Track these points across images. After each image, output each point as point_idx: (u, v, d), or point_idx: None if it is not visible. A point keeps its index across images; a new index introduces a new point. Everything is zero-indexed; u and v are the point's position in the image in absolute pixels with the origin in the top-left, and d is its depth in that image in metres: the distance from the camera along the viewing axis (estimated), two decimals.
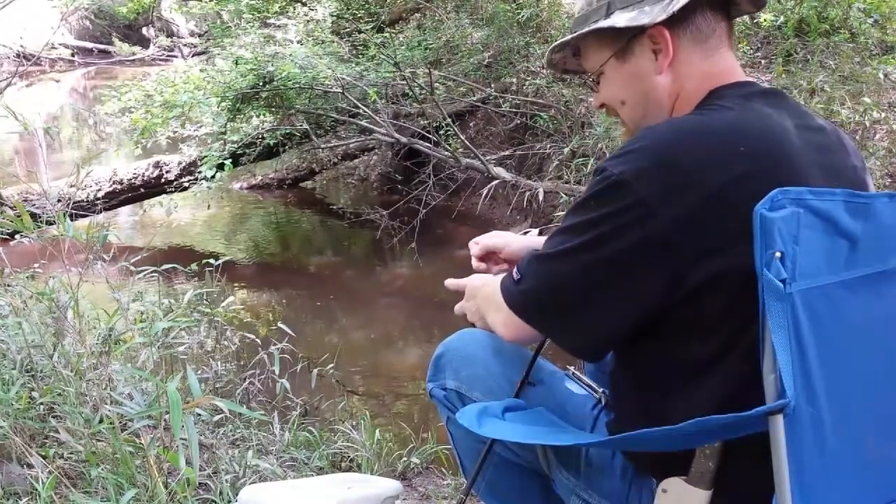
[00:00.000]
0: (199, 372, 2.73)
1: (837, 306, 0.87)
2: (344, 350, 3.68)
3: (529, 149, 5.61)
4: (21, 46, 14.02)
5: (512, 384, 1.25)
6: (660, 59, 1.06)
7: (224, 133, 5.28)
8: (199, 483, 1.88)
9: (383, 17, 6.90)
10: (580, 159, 4.80)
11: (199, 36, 16.74)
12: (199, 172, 5.05)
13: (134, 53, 17.75)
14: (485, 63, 6.18)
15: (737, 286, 0.88)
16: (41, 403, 1.99)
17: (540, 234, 1.43)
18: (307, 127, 5.31)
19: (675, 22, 1.04)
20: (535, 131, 5.72)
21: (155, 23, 18.83)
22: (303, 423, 2.63)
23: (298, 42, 5.86)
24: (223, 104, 5.13)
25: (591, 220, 0.96)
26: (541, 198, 4.78)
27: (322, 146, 5.68)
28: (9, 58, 14.04)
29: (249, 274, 5.08)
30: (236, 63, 5.13)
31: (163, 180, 5.57)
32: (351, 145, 6.22)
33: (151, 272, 2.55)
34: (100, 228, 1.99)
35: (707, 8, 1.06)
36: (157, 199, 5.47)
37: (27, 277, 2.55)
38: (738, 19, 1.35)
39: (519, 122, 5.91)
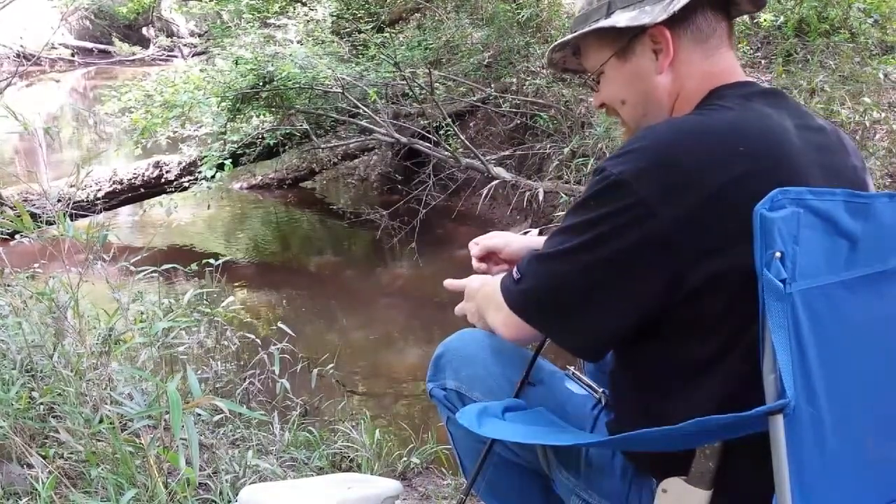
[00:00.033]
0: (199, 372, 2.73)
1: (837, 306, 0.87)
2: (344, 350, 3.68)
3: (529, 149, 5.61)
4: (21, 46, 14.01)
5: (512, 384, 1.25)
6: (660, 58, 1.06)
7: (224, 133, 5.28)
8: (199, 483, 1.88)
9: (383, 17, 6.90)
10: (580, 159, 4.80)
11: (199, 36, 16.74)
12: (199, 172, 5.05)
13: (134, 53, 17.74)
14: (485, 63, 6.18)
15: (737, 286, 0.88)
16: (41, 403, 1.99)
17: (540, 234, 1.43)
18: (307, 127, 5.31)
19: (676, 22, 1.04)
20: (535, 131, 5.72)
21: (155, 23, 18.83)
22: (303, 423, 2.63)
23: (298, 42, 5.86)
24: (223, 104, 5.13)
25: (591, 220, 0.96)
26: (541, 198, 4.78)
27: (322, 146, 5.68)
28: (9, 58, 14.04)
29: (249, 274, 5.08)
30: (236, 63, 5.13)
31: (163, 180, 5.57)
32: (351, 145, 6.22)
33: (151, 272, 2.55)
34: (100, 228, 1.99)
35: (708, 8, 1.06)
36: (157, 199, 5.47)
37: (27, 277, 2.55)
38: (738, 19, 1.35)
39: (519, 122, 5.91)
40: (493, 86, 5.99)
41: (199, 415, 2.13)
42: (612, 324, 1.00)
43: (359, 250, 5.87)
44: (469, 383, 1.30)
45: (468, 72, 6.10)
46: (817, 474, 0.84)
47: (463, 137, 5.36)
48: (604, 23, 1.08)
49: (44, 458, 1.81)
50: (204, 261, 3.02)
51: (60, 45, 16.85)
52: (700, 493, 0.94)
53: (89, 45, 17.68)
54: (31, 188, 3.42)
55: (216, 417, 2.34)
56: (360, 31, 6.37)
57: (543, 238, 1.12)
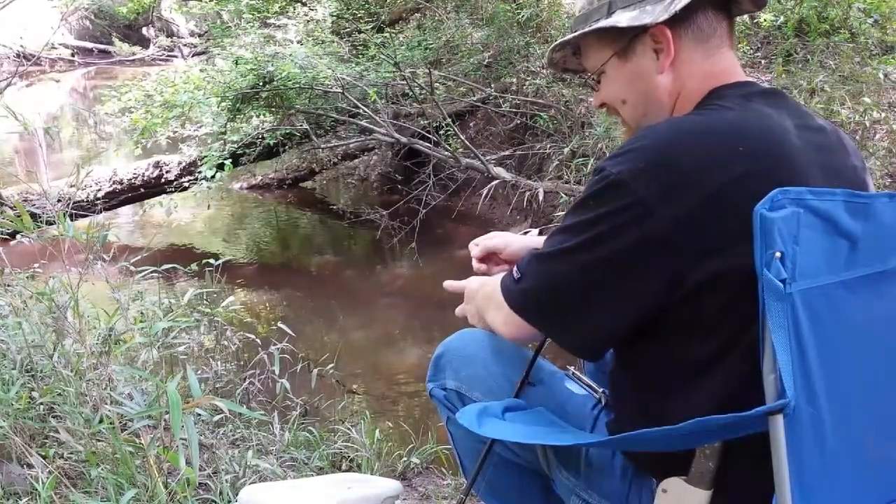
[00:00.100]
0: (199, 372, 2.73)
1: (837, 306, 0.87)
2: (344, 350, 3.67)
3: (529, 149, 5.61)
4: (21, 46, 14.02)
5: (512, 384, 1.25)
6: (661, 58, 1.06)
7: (224, 133, 5.28)
8: (199, 483, 1.88)
9: (383, 17, 6.90)
10: (580, 159, 4.80)
11: (199, 36, 16.73)
12: (199, 172, 5.05)
13: (134, 53, 17.74)
14: (485, 63, 6.18)
15: (737, 286, 0.88)
16: (41, 403, 1.99)
17: (540, 234, 1.43)
18: (307, 127, 5.32)
19: (677, 21, 1.04)
20: (535, 131, 5.72)
21: (155, 23, 18.83)
22: (303, 423, 2.63)
23: (298, 42, 5.86)
24: (223, 104, 5.13)
25: (590, 220, 0.96)
26: (541, 198, 4.78)
27: (322, 146, 5.68)
28: (9, 58, 14.04)
29: (249, 274, 5.08)
30: (236, 63, 5.13)
31: (163, 180, 5.57)
32: (351, 145, 6.22)
33: (151, 272, 2.55)
34: (100, 228, 1.99)
35: (709, 7, 1.06)
36: (157, 199, 5.47)
37: (27, 277, 2.55)
38: (738, 19, 1.35)
39: (519, 122, 5.91)
40: (493, 86, 5.99)
41: (199, 415, 2.13)
42: (611, 323, 1.00)
43: (359, 250, 5.87)
44: (469, 383, 1.30)
45: (468, 72, 6.10)
46: (817, 474, 0.84)
47: (463, 137, 5.36)
48: (604, 22, 1.08)
49: (44, 458, 1.81)
50: (204, 261, 3.02)
51: (60, 45, 16.85)
52: (700, 493, 0.94)
53: (89, 45, 17.68)
54: (31, 188, 3.42)
55: (216, 417, 2.34)
56: (360, 31, 6.37)
57: (543, 238, 1.12)
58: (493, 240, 1.42)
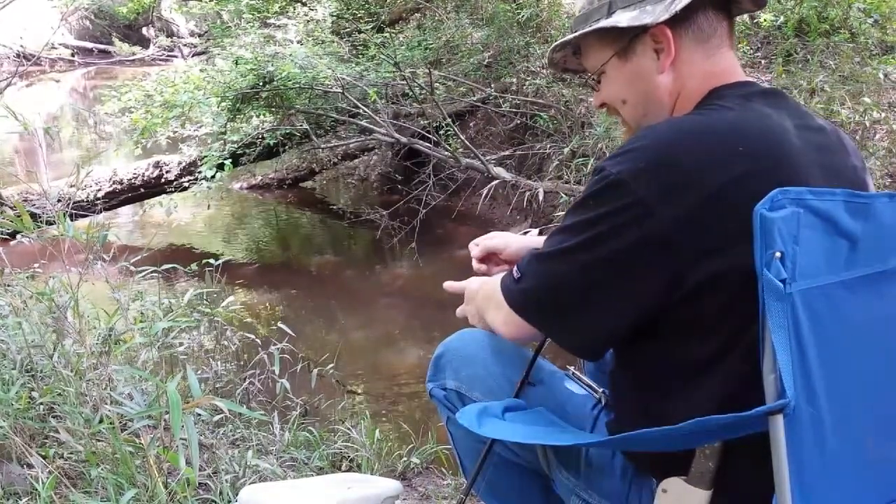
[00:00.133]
0: (199, 372, 2.73)
1: (837, 306, 0.87)
2: (344, 350, 3.67)
3: (529, 149, 5.61)
4: (21, 46, 14.01)
5: (512, 384, 1.25)
6: (662, 58, 1.06)
7: (224, 133, 5.28)
8: (199, 483, 1.88)
9: (383, 17, 6.90)
10: (580, 159, 4.80)
11: (199, 36, 16.73)
12: (199, 172, 5.05)
13: (134, 53, 17.74)
14: (485, 63, 6.18)
15: (737, 286, 0.88)
16: (41, 403, 1.99)
17: (540, 234, 1.43)
18: (307, 127, 5.32)
19: (678, 21, 1.04)
20: (535, 131, 5.72)
21: (155, 23, 18.83)
22: (303, 423, 2.63)
23: (298, 42, 5.86)
24: (223, 104, 5.13)
25: (590, 220, 0.96)
26: (541, 198, 4.78)
27: (322, 146, 5.68)
28: (9, 58, 14.04)
29: (249, 274, 5.08)
30: (236, 63, 5.13)
31: (163, 180, 5.57)
32: (351, 145, 6.22)
33: (151, 272, 2.55)
34: (100, 228, 1.99)
35: (709, 7, 1.06)
36: (157, 199, 5.47)
37: (27, 277, 2.55)
38: (738, 19, 1.35)
39: (519, 122, 5.91)
40: (493, 86, 5.99)
41: (199, 415, 2.13)
42: (610, 323, 1.00)
43: (359, 250, 5.87)
44: (469, 383, 1.30)
45: (468, 72, 6.10)
46: (817, 474, 0.84)
47: (463, 137, 5.36)
48: (605, 22, 1.08)
49: (44, 458, 1.81)
50: (204, 261, 3.02)
51: (60, 45, 16.85)
52: (700, 493, 0.94)
53: (89, 45, 17.68)
54: (31, 188, 3.42)
55: (216, 417, 2.34)
56: (360, 31, 6.37)
57: (543, 238, 1.12)
58: (493, 240, 1.42)
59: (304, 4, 7.05)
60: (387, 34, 6.20)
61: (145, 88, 5.38)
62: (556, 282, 1.02)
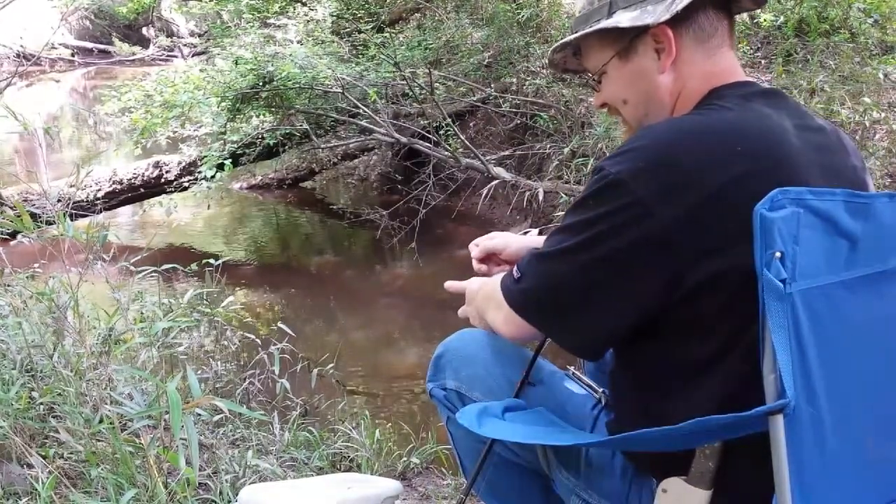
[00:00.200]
0: (199, 372, 2.73)
1: (837, 306, 0.87)
2: (344, 350, 3.67)
3: (529, 149, 5.61)
4: (21, 46, 14.01)
5: (512, 384, 1.25)
6: (662, 58, 1.06)
7: (224, 133, 5.28)
8: (199, 483, 1.88)
9: (383, 17, 6.90)
10: (580, 159, 4.80)
11: (199, 36, 16.73)
12: (199, 172, 5.05)
13: (134, 53, 17.74)
14: (485, 63, 6.18)
15: (737, 286, 0.88)
16: (41, 403, 1.99)
17: (540, 234, 1.43)
18: (307, 127, 5.32)
19: (679, 21, 1.04)
20: (535, 131, 5.72)
21: (155, 23, 18.83)
22: (303, 423, 2.63)
23: (298, 42, 5.87)
24: (223, 104, 5.13)
25: (589, 220, 0.96)
26: (541, 198, 4.78)
27: (322, 146, 5.68)
28: (9, 58, 14.04)
29: (249, 274, 5.08)
30: (236, 63, 5.13)
31: (163, 180, 5.57)
32: (351, 145, 6.22)
33: (151, 272, 2.55)
34: (100, 228, 1.99)
35: (710, 6, 1.06)
36: (157, 199, 5.48)
37: (27, 277, 2.55)
38: (738, 20, 1.35)
39: (519, 122, 5.91)
40: (493, 86, 5.99)
41: (199, 415, 2.13)
42: (610, 323, 1.00)
43: (359, 250, 5.87)
44: (469, 383, 1.30)
45: (468, 72, 6.10)
46: (817, 474, 0.84)
47: (463, 137, 5.35)
48: (606, 23, 1.08)
49: (44, 458, 1.81)
50: (204, 261, 3.01)
51: (60, 45, 16.85)
52: (700, 493, 0.94)
53: (89, 45, 17.68)
54: (31, 188, 3.42)
55: (216, 417, 2.34)
56: (360, 31, 6.37)
57: (543, 238, 1.12)
58: (493, 240, 1.42)
59: (304, 4, 7.05)
60: (387, 34, 6.20)
61: (145, 88, 5.38)
62: (555, 282, 1.02)
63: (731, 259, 0.89)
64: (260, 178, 6.95)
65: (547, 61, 1.27)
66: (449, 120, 5.31)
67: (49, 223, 2.25)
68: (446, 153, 5.13)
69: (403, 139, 5.39)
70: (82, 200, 5.02)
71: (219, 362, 2.97)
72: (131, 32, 18.81)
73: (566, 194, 4.57)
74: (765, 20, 5.58)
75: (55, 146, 8.01)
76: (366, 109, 5.32)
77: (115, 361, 2.13)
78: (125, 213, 6.11)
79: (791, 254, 0.82)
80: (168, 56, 17.33)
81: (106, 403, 1.81)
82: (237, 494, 1.78)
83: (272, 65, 4.96)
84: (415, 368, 3.63)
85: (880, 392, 0.93)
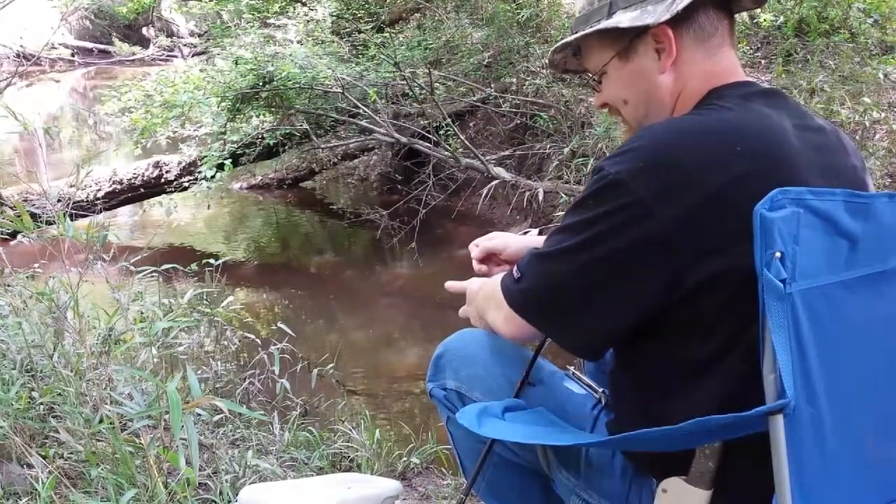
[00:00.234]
0: (199, 372, 2.73)
1: (837, 306, 0.87)
2: (344, 350, 3.68)
3: (529, 149, 5.61)
4: (21, 46, 14.01)
5: (512, 384, 1.25)
6: (663, 58, 1.06)
7: (224, 133, 5.28)
8: (199, 483, 1.88)
9: (383, 17, 6.90)
10: (580, 159, 4.80)
11: (199, 36, 16.73)
12: (199, 172, 5.05)
13: (134, 53, 17.74)
14: (485, 63, 6.18)
15: (736, 286, 0.88)
16: (41, 403, 1.99)
17: (540, 234, 1.43)
18: (307, 127, 5.31)
19: (679, 21, 1.04)
20: (535, 131, 5.72)
21: (155, 23, 18.83)
22: (303, 423, 2.63)
23: (298, 42, 5.86)
24: (223, 104, 5.13)
25: (589, 220, 0.96)
26: (541, 198, 4.78)
27: (322, 146, 5.68)
28: (9, 58, 14.04)
29: (249, 274, 5.08)
30: (236, 63, 5.13)
31: (163, 180, 5.57)
32: (351, 145, 6.22)
33: (151, 272, 2.55)
34: (100, 228, 1.99)
35: (710, 6, 1.05)
36: (157, 199, 5.48)
37: (27, 277, 2.55)
38: (738, 19, 1.35)
39: (519, 122, 5.91)
40: (493, 86, 5.99)
41: (199, 415, 2.13)
42: (610, 323, 1.00)
43: (359, 250, 5.87)
44: (469, 383, 1.30)
45: (468, 72, 6.10)
46: (817, 474, 0.84)
47: (463, 137, 5.35)
48: (606, 23, 1.08)
49: (44, 458, 1.81)
50: (204, 261, 3.02)
51: (60, 45, 16.85)
52: (700, 493, 0.94)
53: (89, 45, 17.68)
54: (31, 188, 3.42)
55: (216, 417, 2.34)
56: (360, 31, 6.36)
57: (543, 238, 1.12)
58: (493, 241, 1.42)
59: (304, 4, 7.05)
60: (387, 34, 6.20)
61: (145, 88, 5.38)
62: (555, 282, 1.02)
63: (731, 259, 0.89)
64: (260, 178, 6.95)
65: (547, 61, 1.27)
66: (449, 120, 5.31)
67: (49, 223, 2.25)
68: (446, 153, 5.13)
69: (403, 139, 5.39)
70: (82, 200, 5.02)
71: (219, 362, 2.97)
72: (131, 32, 18.81)
73: (566, 194, 4.57)
74: (765, 20, 5.58)
75: (55, 146, 8.01)
76: (366, 109, 5.32)
77: (115, 361, 2.13)
78: (125, 213, 6.11)
79: (791, 254, 0.82)
80: (168, 56, 17.33)
81: (106, 403, 1.81)
82: (237, 494, 1.78)
83: (272, 65, 4.96)
84: (415, 368, 3.63)
85: (880, 392, 0.93)
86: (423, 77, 5.43)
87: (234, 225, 6.39)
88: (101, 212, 4.49)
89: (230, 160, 5.08)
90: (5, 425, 1.79)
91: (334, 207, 6.69)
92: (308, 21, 6.54)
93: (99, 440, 1.93)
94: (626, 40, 1.08)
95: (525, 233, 1.47)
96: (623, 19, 1.06)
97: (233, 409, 1.77)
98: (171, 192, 5.34)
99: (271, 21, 6.48)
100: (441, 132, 5.26)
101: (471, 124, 6.75)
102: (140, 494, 1.68)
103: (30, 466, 1.80)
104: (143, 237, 5.67)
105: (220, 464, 2.03)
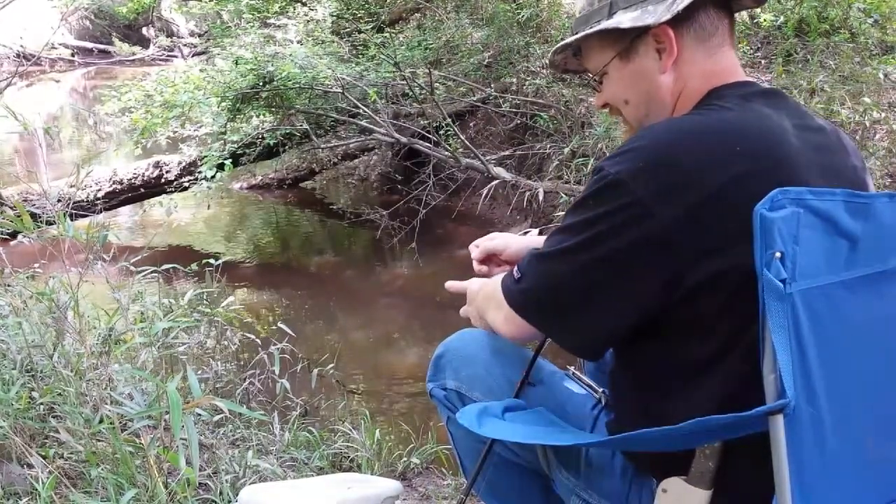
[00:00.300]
0: (199, 372, 2.73)
1: (837, 306, 0.87)
2: (344, 350, 3.68)
3: (529, 149, 5.61)
4: (21, 46, 14.01)
5: (512, 384, 1.25)
6: (664, 58, 1.06)
7: (224, 133, 5.28)
8: (199, 483, 1.88)
9: (383, 17, 6.90)
10: (580, 159, 4.80)
11: (199, 36, 16.74)
12: (199, 172, 5.05)
13: (134, 53, 17.75)
14: (485, 63, 6.18)
15: (736, 286, 0.88)
16: (41, 403, 1.99)
17: (540, 234, 1.43)
18: (307, 127, 5.32)
19: (679, 20, 1.04)
20: (535, 131, 5.72)
21: (155, 23, 18.83)
22: (303, 423, 2.63)
23: (298, 42, 5.87)
24: (223, 104, 5.13)
25: (588, 220, 0.96)
26: (541, 198, 4.78)
27: (322, 146, 5.68)
28: (9, 58, 14.04)
29: (249, 274, 5.08)
30: (236, 63, 5.13)
31: (163, 180, 5.57)
32: (351, 145, 6.22)
33: (151, 272, 2.55)
34: (100, 228, 1.99)
35: (710, 5, 1.05)
36: (157, 199, 5.48)
37: (27, 277, 2.55)
38: (737, 19, 1.35)
39: (519, 122, 5.91)
40: (493, 86, 5.99)
41: (199, 415, 2.13)
42: (610, 323, 1.00)
43: (359, 250, 5.87)
44: (469, 383, 1.30)
45: (468, 72, 6.10)
46: (817, 474, 0.84)
47: (463, 137, 5.35)
48: (606, 24, 1.08)
49: (44, 458, 1.81)
50: (204, 261, 3.02)
51: (60, 45, 16.86)
52: (700, 493, 0.94)
53: (89, 45, 17.68)
54: (31, 188, 3.42)
55: (216, 417, 2.34)
56: (360, 31, 6.37)
57: (543, 238, 1.12)
58: (494, 241, 1.42)
59: (304, 4, 7.05)
60: (387, 34, 6.20)
61: (145, 88, 5.38)
62: (555, 282, 1.02)
63: (731, 259, 0.89)
64: (260, 178, 6.96)
65: (547, 62, 1.27)
66: (449, 120, 5.31)
67: (49, 223, 2.24)
68: (446, 153, 5.13)
69: (403, 139, 5.39)
70: (82, 200, 5.02)
71: (219, 362, 2.97)
72: (131, 32, 18.81)
73: (566, 194, 4.57)
74: (765, 20, 5.58)
75: (55, 146, 8.01)
76: (366, 109, 5.32)
77: (115, 361, 2.13)
78: (125, 213, 6.11)
79: (791, 254, 0.82)
80: (168, 56, 17.33)
81: (106, 403, 1.81)
82: (237, 494, 1.78)
83: (272, 65, 4.96)
84: (415, 368, 3.63)
85: (880, 392, 0.93)
86: (423, 77, 5.43)
87: (234, 225, 6.39)
88: (101, 212, 4.49)
89: (230, 160, 5.09)
90: (5, 425, 1.79)
91: (334, 207, 6.69)
92: (308, 21, 6.54)
93: (99, 440, 1.93)
94: (627, 41, 1.08)
95: (525, 233, 1.47)
96: (624, 20, 1.06)
97: (233, 409, 1.78)
98: (172, 192, 5.34)
99: (271, 21, 6.48)
100: (441, 132, 5.26)
101: (471, 124, 6.75)
102: (140, 494, 1.68)
103: (30, 466, 1.80)
104: (144, 237, 5.67)
105: (221, 464, 2.03)
